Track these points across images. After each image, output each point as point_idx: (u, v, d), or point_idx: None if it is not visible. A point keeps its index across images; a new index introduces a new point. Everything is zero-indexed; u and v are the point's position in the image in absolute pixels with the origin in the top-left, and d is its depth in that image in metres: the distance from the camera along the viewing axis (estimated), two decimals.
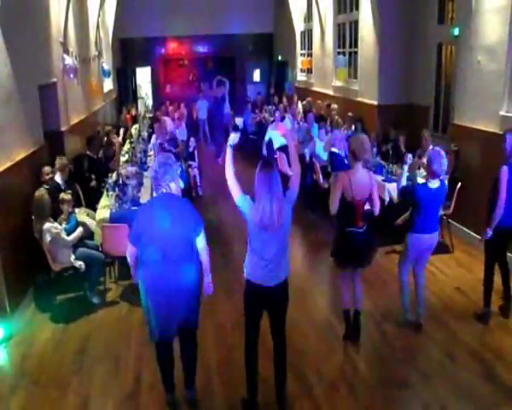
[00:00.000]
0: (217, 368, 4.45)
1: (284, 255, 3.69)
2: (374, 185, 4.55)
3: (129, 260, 3.80)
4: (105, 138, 9.74)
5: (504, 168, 4.71)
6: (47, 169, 6.26)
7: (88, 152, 7.98)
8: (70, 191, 6.05)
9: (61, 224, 5.57)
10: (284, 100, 14.03)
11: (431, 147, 7.11)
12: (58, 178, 6.37)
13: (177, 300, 3.67)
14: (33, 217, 5.41)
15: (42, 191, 5.53)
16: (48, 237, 5.24)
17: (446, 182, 6.40)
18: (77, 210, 6.22)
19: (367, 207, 4.64)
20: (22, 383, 4.36)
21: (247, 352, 3.84)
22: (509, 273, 5.06)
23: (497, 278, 5.07)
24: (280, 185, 3.53)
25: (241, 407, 3.90)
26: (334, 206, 4.49)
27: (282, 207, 3.50)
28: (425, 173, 5.67)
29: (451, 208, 6.52)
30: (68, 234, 5.47)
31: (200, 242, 3.72)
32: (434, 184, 4.60)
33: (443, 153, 4.61)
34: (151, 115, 13.80)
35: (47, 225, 5.26)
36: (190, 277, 3.71)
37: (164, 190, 3.64)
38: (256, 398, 3.85)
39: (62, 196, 5.77)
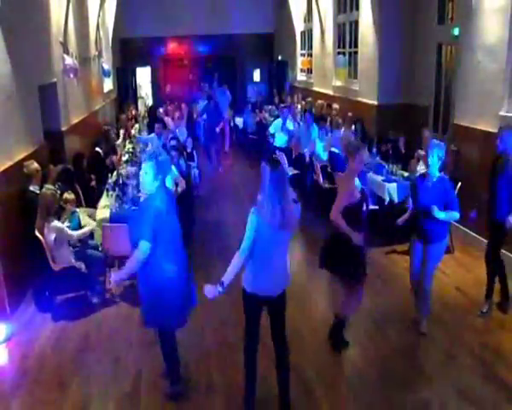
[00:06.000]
0: (217, 366, 4.46)
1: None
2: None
3: (135, 261, 3.70)
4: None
5: None
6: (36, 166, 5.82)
7: (100, 147, 8.74)
8: (71, 191, 6.03)
9: (63, 223, 5.57)
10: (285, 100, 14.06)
11: None
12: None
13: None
14: (38, 214, 5.28)
15: (49, 189, 5.46)
16: (52, 235, 5.20)
17: None
18: (77, 210, 6.20)
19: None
20: (22, 382, 4.36)
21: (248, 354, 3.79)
22: (504, 269, 5.16)
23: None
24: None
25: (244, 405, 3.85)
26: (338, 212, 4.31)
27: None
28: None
29: None
30: None
31: None
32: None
33: (442, 145, 4.65)
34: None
35: (53, 224, 5.23)
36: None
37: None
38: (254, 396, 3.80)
39: (66, 195, 5.78)
